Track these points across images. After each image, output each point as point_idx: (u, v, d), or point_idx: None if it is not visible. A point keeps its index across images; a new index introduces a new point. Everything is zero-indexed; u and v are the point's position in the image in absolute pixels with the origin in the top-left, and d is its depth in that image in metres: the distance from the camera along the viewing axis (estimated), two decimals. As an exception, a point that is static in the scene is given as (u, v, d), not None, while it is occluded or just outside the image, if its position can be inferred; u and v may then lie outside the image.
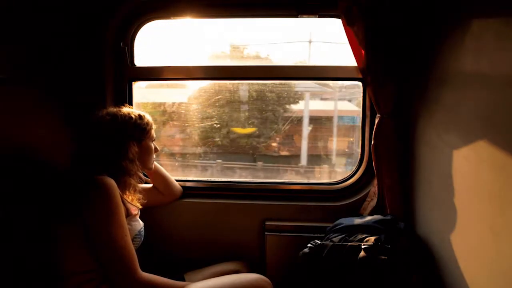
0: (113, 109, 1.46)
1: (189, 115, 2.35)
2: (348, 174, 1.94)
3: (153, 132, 1.54)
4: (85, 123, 1.44)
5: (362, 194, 1.85)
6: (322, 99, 3.12)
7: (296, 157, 3.07)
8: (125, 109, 1.47)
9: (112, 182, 1.27)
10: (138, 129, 1.46)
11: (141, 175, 1.50)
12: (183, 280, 1.53)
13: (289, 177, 3.03)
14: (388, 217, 1.58)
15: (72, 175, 1.36)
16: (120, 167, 1.36)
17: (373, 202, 1.75)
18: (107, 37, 1.80)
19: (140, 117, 1.48)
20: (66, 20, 1.70)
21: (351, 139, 2.54)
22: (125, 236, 1.27)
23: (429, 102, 1.47)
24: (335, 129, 2.85)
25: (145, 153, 1.50)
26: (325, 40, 2.29)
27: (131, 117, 1.45)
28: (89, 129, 1.41)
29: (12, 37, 1.49)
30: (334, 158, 2.80)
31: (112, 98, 1.85)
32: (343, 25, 1.67)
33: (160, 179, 1.75)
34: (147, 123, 1.50)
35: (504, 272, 1.00)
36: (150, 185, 1.77)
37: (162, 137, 2.47)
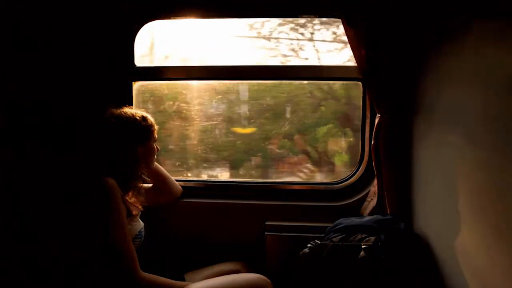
0: (116, 111, 1.46)
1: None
2: (348, 174, 1.94)
3: (155, 133, 1.55)
4: (87, 124, 1.44)
5: (362, 194, 1.85)
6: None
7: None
8: (129, 111, 1.48)
9: (112, 183, 1.27)
10: (142, 131, 1.47)
11: (144, 176, 1.51)
12: (183, 280, 1.53)
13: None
14: (388, 217, 1.58)
15: (75, 176, 1.37)
16: (125, 169, 1.37)
17: (373, 202, 1.75)
18: (108, 37, 1.80)
19: (144, 118, 1.49)
20: (65, 20, 1.70)
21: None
22: (126, 236, 1.27)
23: (429, 102, 1.47)
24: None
25: (148, 154, 1.52)
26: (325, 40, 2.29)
27: (136, 119, 1.46)
28: (94, 131, 1.42)
29: (12, 38, 1.49)
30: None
31: (112, 98, 1.84)
32: (343, 25, 1.67)
33: (160, 179, 1.75)
34: (151, 125, 1.51)
35: (505, 272, 1.00)
36: (150, 185, 1.77)
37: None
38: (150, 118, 1.52)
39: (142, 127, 1.46)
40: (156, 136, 1.56)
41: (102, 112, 1.46)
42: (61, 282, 1.27)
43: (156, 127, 1.55)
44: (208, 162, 2.18)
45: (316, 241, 1.50)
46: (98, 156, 1.37)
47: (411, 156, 1.63)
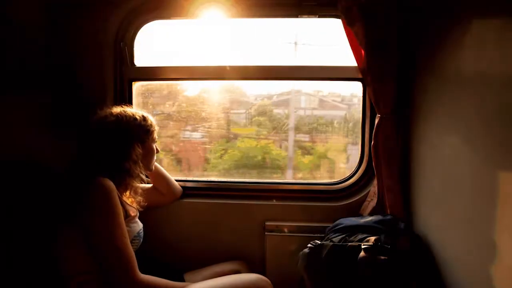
0: (116, 110, 1.45)
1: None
2: (348, 174, 1.94)
3: (155, 133, 1.54)
4: (87, 123, 1.44)
5: (362, 194, 1.84)
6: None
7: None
8: (129, 110, 1.46)
9: (110, 184, 1.26)
10: (142, 131, 1.46)
11: (143, 176, 1.50)
12: (183, 280, 1.53)
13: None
14: (388, 217, 1.58)
15: (72, 176, 1.36)
16: (123, 169, 1.36)
17: (373, 202, 1.75)
18: (107, 37, 1.80)
19: (144, 118, 1.48)
20: (65, 21, 1.70)
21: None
22: (124, 237, 1.26)
23: (429, 102, 1.47)
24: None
25: (148, 155, 1.50)
26: (325, 40, 2.28)
27: (136, 118, 1.45)
28: (93, 129, 1.41)
29: (12, 38, 1.49)
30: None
31: (112, 98, 1.85)
32: (343, 25, 1.67)
33: (160, 180, 1.75)
34: (151, 125, 1.50)
35: (505, 272, 1.00)
36: (150, 186, 1.77)
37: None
38: (151, 118, 1.51)
39: (141, 126, 1.45)
40: (156, 137, 1.56)
41: (102, 111, 1.45)
42: (60, 284, 1.27)
43: (156, 128, 1.54)
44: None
45: (316, 241, 1.50)
46: (96, 155, 1.36)
47: (411, 156, 1.63)
